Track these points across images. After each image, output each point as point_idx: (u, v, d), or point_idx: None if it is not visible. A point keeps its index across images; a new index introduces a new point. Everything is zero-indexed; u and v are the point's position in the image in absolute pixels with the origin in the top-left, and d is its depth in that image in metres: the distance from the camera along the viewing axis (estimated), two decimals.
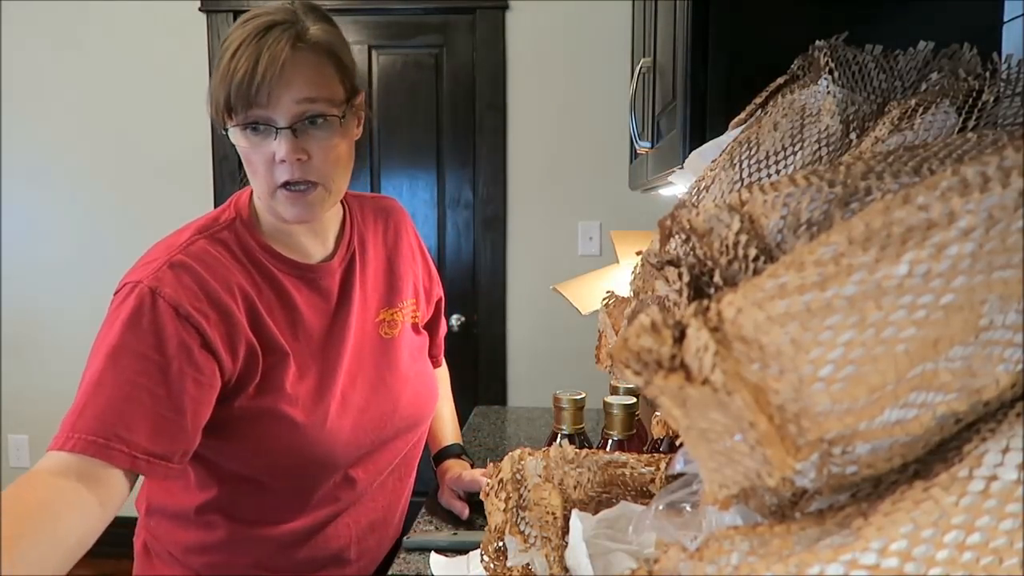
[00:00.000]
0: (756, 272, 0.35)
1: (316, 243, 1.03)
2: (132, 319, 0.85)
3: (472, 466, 1.26)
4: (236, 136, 0.91)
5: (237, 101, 0.87)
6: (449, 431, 1.32)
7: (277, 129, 0.89)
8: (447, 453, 1.27)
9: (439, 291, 1.25)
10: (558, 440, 1.07)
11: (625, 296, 0.65)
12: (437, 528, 1.14)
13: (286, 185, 0.91)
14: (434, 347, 1.27)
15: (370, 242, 1.10)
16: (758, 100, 0.61)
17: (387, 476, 1.10)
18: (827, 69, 0.54)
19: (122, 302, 0.88)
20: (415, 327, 1.16)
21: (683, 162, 0.74)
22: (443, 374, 1.36)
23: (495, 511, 0.61)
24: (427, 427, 1.19)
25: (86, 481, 0.77)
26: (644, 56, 1.28)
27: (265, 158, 0.90)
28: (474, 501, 1.17)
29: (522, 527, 0.59)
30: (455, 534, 1.10)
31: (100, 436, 0.79)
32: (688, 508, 0.48)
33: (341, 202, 1.09)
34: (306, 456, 0.97)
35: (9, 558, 0.66)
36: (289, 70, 0.87)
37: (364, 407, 1.03)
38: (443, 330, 1.30)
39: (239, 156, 0.95)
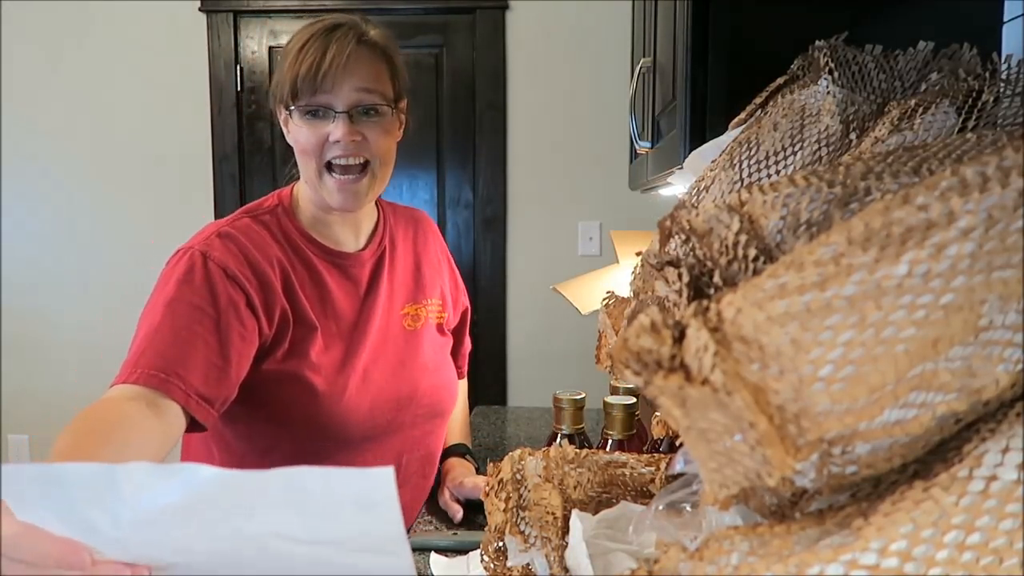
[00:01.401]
0: (756, 272, 0.35)
1: (350, 235, 1.12)
2: (186, 277, 0.95)
3: (477, 469, 1.26)
4: (296, 119, 1.01)
5: (303, 87, 0.98)
6: (457, 431, 1.34)
7: (336, 113, 0.99)
8: (452, 451, 1.29)
9: (465, 301, 1.32)
10: (558, 440, 1.07)
11: (625, 296, 0.65)
12: (437, 528, 1.14)
13: (335, 167, 1.01)
14: (459, 357, 1.33)
15: (400, 243, 1.18)
16: (758, 100, 0.61)
17: (410, 473, 1.14)
18: (827, 69, 0.54)
19: (176, 264, 0.98)
20: (440, 328, 1.22)
21: (683, 162, 0.74)
22: (462, 384, 1.39)
23: (495, 511, 0.61)
24: (445, 424, 1.24)
25: (153, 408, 0.84)
26: (644, 56, 1.28)
27: (319, 139, 1.00)
28: (473, 502, 1.17)
29: (522, 527, 0.59)
30: (455, 534, 1.10)
31: (161, 372, 0.87)
32: (688, 508, 0.48)
33: (376, 204, 1.17)
34: (321, 425, 1.02)
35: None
36: (353, 62, 0.98)
37: (383, 386, 1.09)
38: (468, 344, 1.36)
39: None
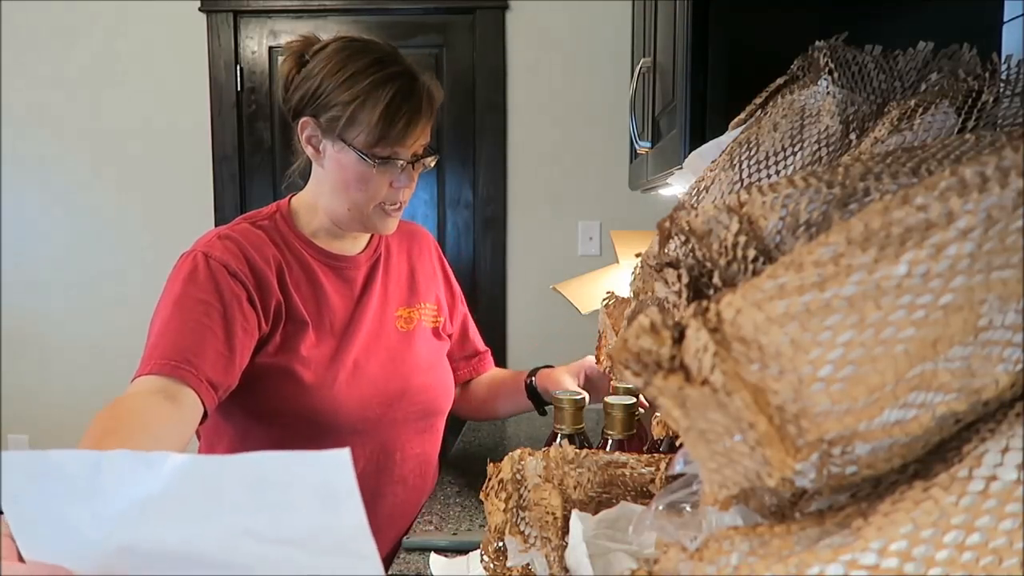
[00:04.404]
0: (755, 273, 0.35)
1: (347, 241, 1.18)
2: (191, 276, 1.01)
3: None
4: (360, 159, 1.07)
5: (389, 143, 1.06)
6: (511, 372, 1.40)
7: (402, 163, 1.09)
8: (534, 371, 1.32)
9: (463, 309, 1.37)
10: (558, 440, 1.07)
11: (625, 297, 0.65)
12: (437, 528, 1.14)
13: (384, 204, 1.11)
14: (468, 343, 1.39)
15: (395, 251, 1.25)
16: (758, 100, 0.61)
17: (406, 472, 1.17)
18: (827, 69, 0.54)
19: (181, 266, 1.04)
20: (436, 332, 1.26)
21: (683, 162, 0.74)
22: (488, 352, 1.46)
23: (495, 511, 0.61)
24: (440, 425, 1.26)
25: (170, 400, 0.89)
26: (644, 56, 1.28)
27: (384, 182, 1.09)
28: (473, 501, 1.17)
29: (522, 527, 0.59)
30: (455, 534, 1.10)
31: (173, 360, 0.93)
32: (688, 508, 0.47)
33: None
34: (311, 416, 1.06)
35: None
36: (425, 122, 1.09)
37: (374, 380, 1.13)
38: (482, 348, 1.42)
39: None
